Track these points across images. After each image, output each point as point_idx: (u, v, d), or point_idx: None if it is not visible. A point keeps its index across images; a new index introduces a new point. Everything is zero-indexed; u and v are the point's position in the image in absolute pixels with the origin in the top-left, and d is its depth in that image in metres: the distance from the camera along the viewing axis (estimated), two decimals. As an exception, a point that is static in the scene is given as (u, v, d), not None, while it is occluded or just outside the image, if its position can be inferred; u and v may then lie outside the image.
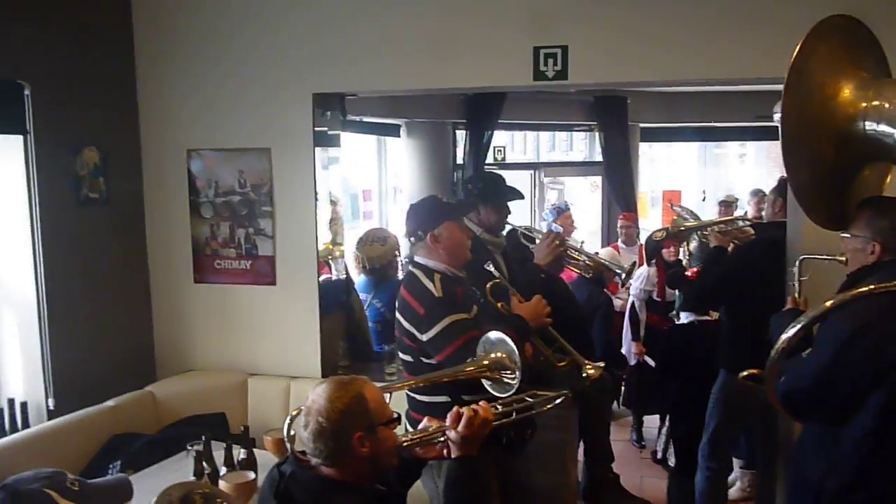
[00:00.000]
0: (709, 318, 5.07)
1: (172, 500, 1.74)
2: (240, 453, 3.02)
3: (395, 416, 2.10)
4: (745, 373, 2.72)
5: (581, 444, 4.03)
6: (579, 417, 3.97)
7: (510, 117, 7.17)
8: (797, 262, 2.70)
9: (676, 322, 5.25)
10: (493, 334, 2.57)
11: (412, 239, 2.90)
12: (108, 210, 3.88)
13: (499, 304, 2.95)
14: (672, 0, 3.42)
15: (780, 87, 2.20)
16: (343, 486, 1.98)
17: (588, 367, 3.00)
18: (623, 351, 5.66)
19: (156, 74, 4.02)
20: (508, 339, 2.53)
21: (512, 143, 8.00)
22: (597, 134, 7.75)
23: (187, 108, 4.00)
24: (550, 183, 7.91)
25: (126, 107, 4.03)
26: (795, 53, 2.19)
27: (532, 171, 7.62)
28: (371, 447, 1.98)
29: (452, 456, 2.18)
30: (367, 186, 6.84)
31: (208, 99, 3.96)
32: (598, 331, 5.20)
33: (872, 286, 2.24)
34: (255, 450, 3.09)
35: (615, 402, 6.14)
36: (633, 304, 5.66)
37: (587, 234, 7.59)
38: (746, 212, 5.91)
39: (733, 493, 4.58)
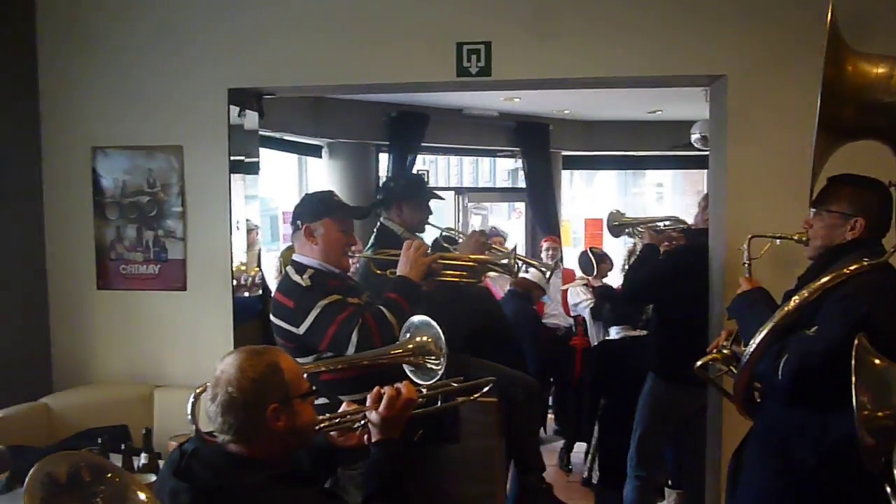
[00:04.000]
0: (639, 332, 5.10)
1: (56, 475, 1.54)
2: (140, 459, 2.78)
3: (313, 388, 1.94)
4: (700, 362, 2.60)
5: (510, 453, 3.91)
6: (507, 425, 3.86)
7: (434, 141, 7.16)
8: (747, 242, 2.63)
9: (607, 338, 5.26)
10: (417, 318, 2.44)
11: (292, 227, 2.84)
12: (2, 210, 3.61)
13: (388, 273, 2.92)
14: (595, -4, 3.42)
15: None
16: (253, 463, 1.78)
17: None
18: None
19: (60, 67, 3.79)
20: (433, 323, 2.41)
21: (436, 169, 7.97)
22: (520, 160, 7.81)
23: (93, 104, 3.78)
24: (474, 208, 7.89)
25: (26, 101, 3.78)
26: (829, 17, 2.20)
27: (456, 196, 7.59)
28: (287, 421, 1.80)
29: (373, 440, 2.03)
30: (288, 208, 6.66)
31: (116, 94, 3.75)
32: (528, 346, 5.13)
33: (866, 261, 2.21)
34: (158, 459, 2.86)
35: (543, 429, 6.12)
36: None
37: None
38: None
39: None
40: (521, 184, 7.82)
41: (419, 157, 7.17)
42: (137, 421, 3.56)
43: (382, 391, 2.05)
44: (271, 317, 2.78)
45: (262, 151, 4.36)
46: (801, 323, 2.23)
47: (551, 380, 6.21)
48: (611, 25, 3.43)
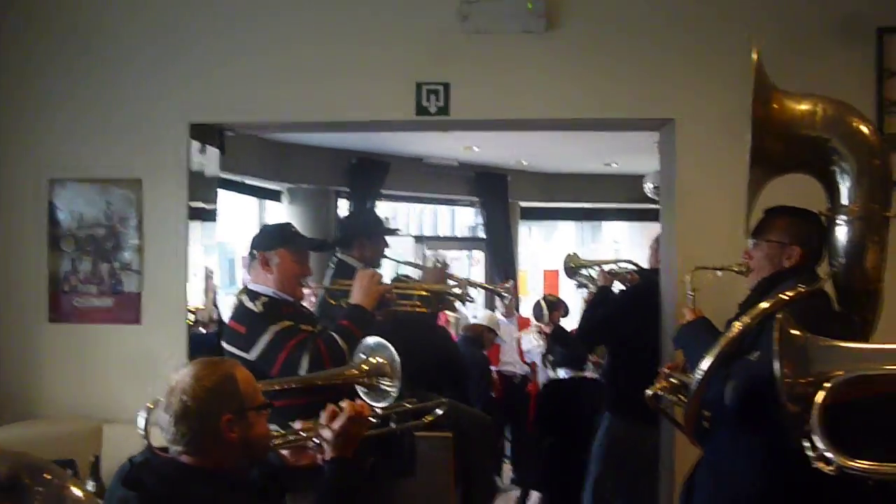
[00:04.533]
0: (587, 374, 5.14)
1: (-2, 478, 1.51)
2: (87, 487, 2.71)
3: (268, 402, 1.94)
4: (650, 390, 2.60)
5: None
6: (459, 460, 3.85)
7: (393, 188, 7.24)
8: (690, 274, 2.71)
9: (553, 377, 5.30)
10: (372, 339, 2.47)
11: (249, 257, 2.90)
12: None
13: (342, 302, 2.99)
14: (553, 40, 3.54)
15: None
16: (204, 474, 1.78)
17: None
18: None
19: (17, 97, 3.77)
20: (389, 345, 2.44)
21: (396, 218, 8.04)
22: (479, 210, 7.94)
23: (51, 135, 3.75)
24: (433, 256, 7.95)
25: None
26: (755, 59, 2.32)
27: (416, 243, 7.66)
28: (240, 433, 1.81)
29: (326, 458, 2.03)
30: (246, 252, 6.63)
31: (75, 125, 3.74)
32: (475, 388, 5.14)
33: (801, 287, 2.25)
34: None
35: (499, 477, 6.08)
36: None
37: (470, 308, 7.62)
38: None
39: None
40: (481, 233, 7.93)
41: (379, 205, 7.24)
42: (86, 457, 3.47)
43: (336, 408, 2.07)
44: (223, 343, 2.78)
45: (222, 194, 4.38)
46: (743, 349, 2.29)
47: (508, 427, 6.21)
48: (564, 70, 3.56)
